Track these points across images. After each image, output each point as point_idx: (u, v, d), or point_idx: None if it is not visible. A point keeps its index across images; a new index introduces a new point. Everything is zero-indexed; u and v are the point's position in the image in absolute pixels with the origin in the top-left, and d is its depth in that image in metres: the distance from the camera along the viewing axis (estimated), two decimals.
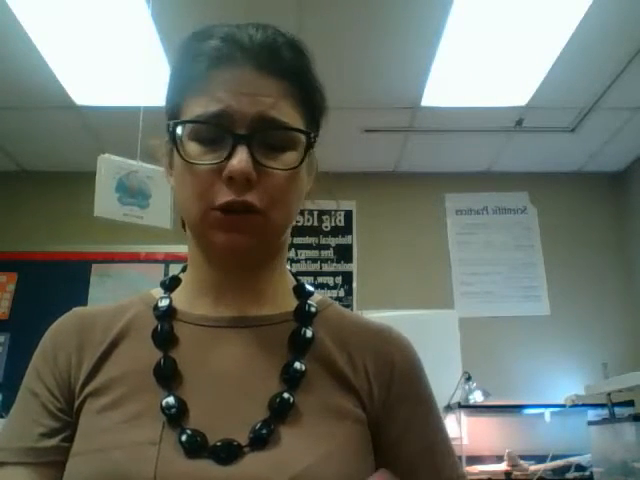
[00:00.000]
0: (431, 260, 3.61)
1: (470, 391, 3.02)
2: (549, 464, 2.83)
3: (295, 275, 0.78)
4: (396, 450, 0.67)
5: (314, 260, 3.61)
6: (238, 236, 0.64)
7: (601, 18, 2.34)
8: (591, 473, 2.65)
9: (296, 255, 3.58)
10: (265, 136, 0.63)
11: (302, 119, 0.67)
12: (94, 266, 3.47)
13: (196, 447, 0.59)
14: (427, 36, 2.49)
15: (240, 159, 0.61)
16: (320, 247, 3.63)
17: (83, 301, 3.27)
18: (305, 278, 3.50)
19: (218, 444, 0.59)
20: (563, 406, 2.91)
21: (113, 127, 2.96)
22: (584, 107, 3.02)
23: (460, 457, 2.76)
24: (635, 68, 2.66)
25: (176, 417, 0.61)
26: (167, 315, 0.70)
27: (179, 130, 0.65)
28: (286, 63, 0.66)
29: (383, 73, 2.76)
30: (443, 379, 2.84)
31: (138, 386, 0.65)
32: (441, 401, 2.77)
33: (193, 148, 0.64)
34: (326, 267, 3.60)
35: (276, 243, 0.70)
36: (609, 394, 2.59)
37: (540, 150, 3.48)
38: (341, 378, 0.67)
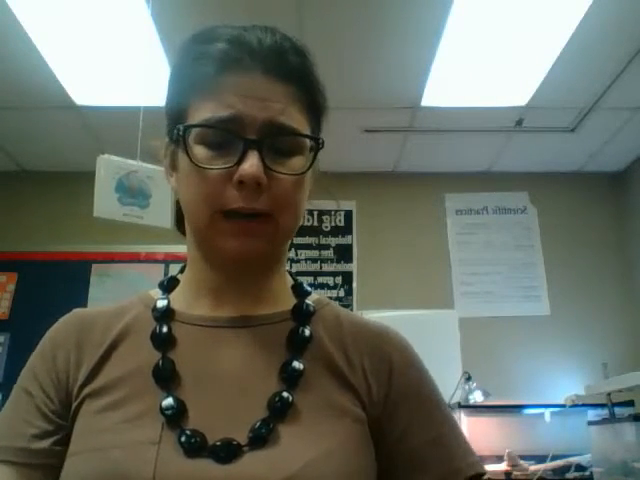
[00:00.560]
0: (431, 260, 3.61)
1: (470, 391, 3.01)
2: (549, 464, 2.82)
3: (293, 275, 0.79)
4: (401, 446, 0.67)
5: (314, 260, 3.60)
6: (251, 241, 0.64)
7: (601, 18, 2.34)
8: (591, 473, 2.64)
9: (296, 255, 3.58)
10: (274, 141, 0.64)
11: (308, 123, 0.68)
12: (94, 266, 3.46)
13: (195, 447, 0.59)
14: (427, 36, 2.49)
15: (252, 164, 0.61)
16: (320, 247, 3.63)
17: (83, 301, 3.27)
18: (305, 278, 3.51)
19: (217, 444, 0.59)
20: (563, 406, 2.90)
21: (113, 127, 2.95)
22: (584, 107, 3.02)
23: None
24: (635, 68, 2.65)
25: (175, 418, 0.61)
26: (165, 316, 0.70)
27: (187, 133, 0.65)
28: (293, 68, 0.66)
29: (383, 73, 2.75)
30: (443, 379, 2.80)
31: (138, 387, 0.65)
32: None
33: (200, 152, 0.64)
34: (326, 267, 3.60)
35: (283, 247, 0.71)
36: (609, 394, 2.59)
37: (540, 150, 3.48)
38: (339, 377, 0.67)
